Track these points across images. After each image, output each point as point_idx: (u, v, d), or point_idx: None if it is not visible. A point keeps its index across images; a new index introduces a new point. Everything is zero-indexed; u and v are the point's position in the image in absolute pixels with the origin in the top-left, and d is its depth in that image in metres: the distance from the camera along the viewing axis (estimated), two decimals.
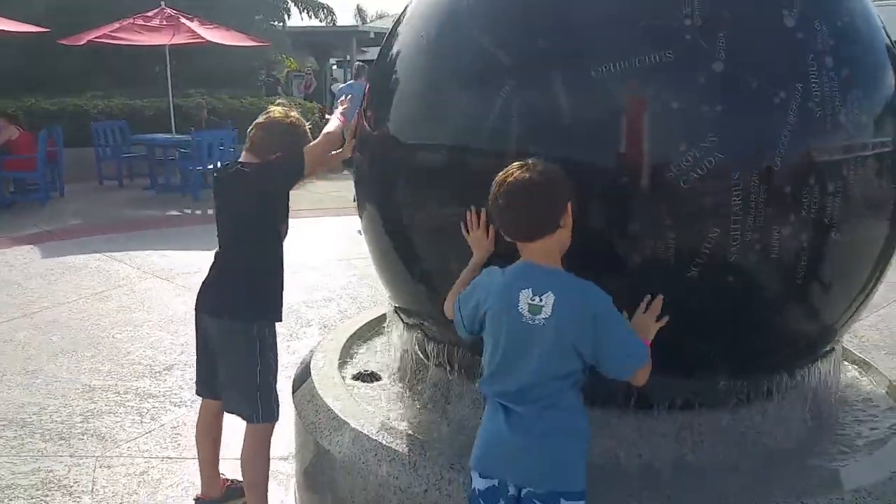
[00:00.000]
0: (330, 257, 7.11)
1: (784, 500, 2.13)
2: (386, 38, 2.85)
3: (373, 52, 31.33)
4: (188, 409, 3.85)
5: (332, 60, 30.46)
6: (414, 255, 2.61)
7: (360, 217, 2.93)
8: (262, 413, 2.68)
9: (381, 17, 42.98)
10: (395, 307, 2.99)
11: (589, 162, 2.11)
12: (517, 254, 1.93)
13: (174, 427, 3.68)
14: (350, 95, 3.50)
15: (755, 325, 2.27)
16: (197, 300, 2.78)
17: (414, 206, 2.52)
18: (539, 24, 2.25)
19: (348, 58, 27.42)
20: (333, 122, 2.78)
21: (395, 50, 2.71)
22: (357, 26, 26.89)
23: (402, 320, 2.97)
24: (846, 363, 3.19)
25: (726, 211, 2.04)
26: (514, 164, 1.86)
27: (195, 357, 2.87)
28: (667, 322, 2.01)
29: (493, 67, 2.27)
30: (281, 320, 2.76)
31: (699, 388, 2.39)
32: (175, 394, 4.06)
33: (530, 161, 1.85)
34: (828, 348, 2.62)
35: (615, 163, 2.09)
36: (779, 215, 2.08)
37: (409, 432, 2.53)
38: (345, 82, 25.38)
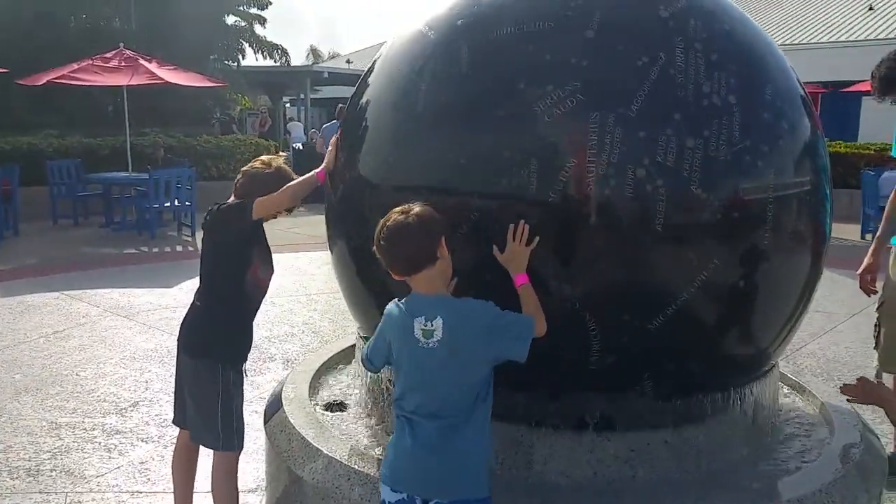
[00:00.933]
0: (290, 293, 7.23)
1: None
2: (359, 82, 3.06)
3: (326, 91, 31.78)
4: (155, 444, 3.92)
5: (286, 98, 30.73)
6: (381, 289, 2.80)
7: (331, 251, 3.11)
8: (222, 442, 2.79)
9: (332, 56, 43.62)
10: (363, 337, 3.15)
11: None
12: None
13: (142, 462, 3.74)
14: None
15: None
16: (178, 337, 2.91)
17: None
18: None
19: (302, 96, 27.69)
20: (308, 175, 2.87)
21: (366, 92, 2.93)
22: (311, 66, 27.19)
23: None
24: (783, 385, 3.46)
25: (583, 145, 2.31)
26: (395, 209, 2.12)
27: (174, 385, 2.98)
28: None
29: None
30: (245, 361, 2.89)
31: (641, 407, 2.60)
32: (141, 429, 4.12)
33: (408, 205, 2.12)
34: (763, 364, 2.86)
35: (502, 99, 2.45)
36: (633, 157, 2.32)
37: (379, 456, 2.68)
38: (298, 120, 25.63)
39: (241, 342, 2.85)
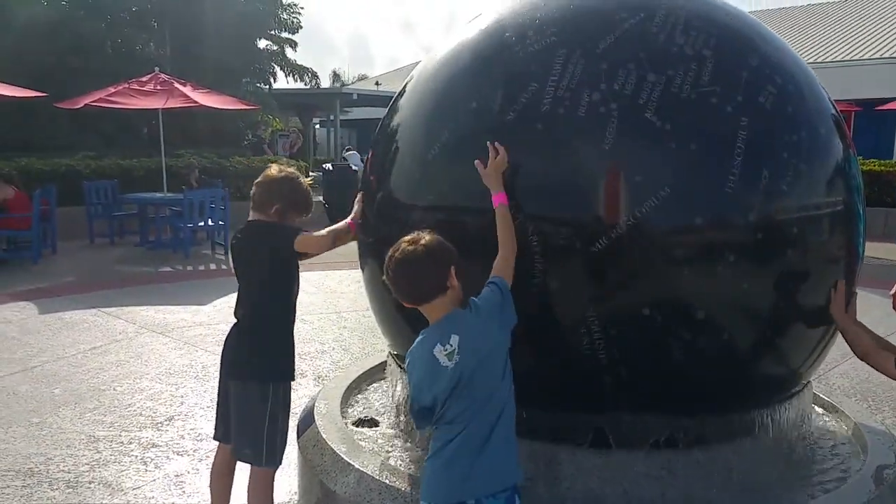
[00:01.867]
0: (321, 311, 7.32)
1: None
2: (389, 107, 3.15)
3: (356, 112, 32.26)
4: (190, 457, 4.00)
5: (315, 119, 31.20)
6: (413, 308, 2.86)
7: (362, 269, 3.18)
8: (265, 458, 2.85)
9: (361, 78, 44.20)
10: (394, 354, 3.20)
11: None
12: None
13: (177, 475, 3.82)
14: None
15: None
16: (221, 355, 2.98)
17: None
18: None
19: (332, 117, 28.09)
20: (342, 224, 2.94)
21: (394, 117, 3.02)
22: (340, 88, 27.64)
23: (400, 367, 3.19)
24: (815, 406, 3.43)
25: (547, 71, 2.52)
26: (404, 238, 2.14)
27: (217, 401, 3.05)
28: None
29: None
30: (294, 379, 2.95)
31: (674, 425, 2.61)
32: (177, 443, 4.20)
33: (417, 234, 2.14)
34: (795, 384, 2.85)
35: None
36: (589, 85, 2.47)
37: (409, 472, 2.73)
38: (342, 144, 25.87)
39: (290, 360, 2.92)
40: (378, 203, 2.94)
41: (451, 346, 2.05)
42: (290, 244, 2.75)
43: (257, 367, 2.84)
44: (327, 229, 2.85)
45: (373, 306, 3.19)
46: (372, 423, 3.33)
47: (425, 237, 2.12)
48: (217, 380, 3.01)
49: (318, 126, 33.70)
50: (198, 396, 4.87)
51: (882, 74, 21.89)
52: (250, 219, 2.91)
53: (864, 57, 23.97)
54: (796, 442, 2.98)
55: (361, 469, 2.70)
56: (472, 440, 2.08)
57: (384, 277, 2.14)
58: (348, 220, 2.95)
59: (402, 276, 2.09)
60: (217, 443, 3.06)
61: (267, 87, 21.87)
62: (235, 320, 2.94)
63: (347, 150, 18.48)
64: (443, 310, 2.11)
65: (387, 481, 2.62)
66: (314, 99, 26.08)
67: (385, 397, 3.66)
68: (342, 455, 2.82)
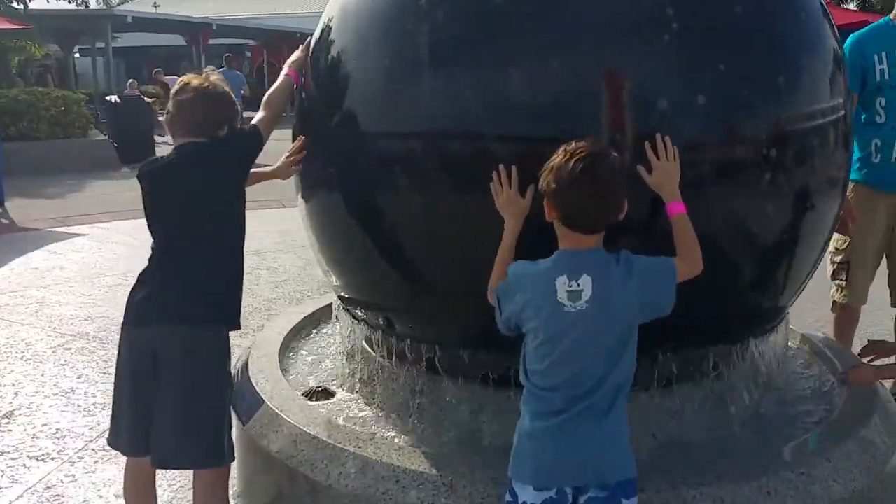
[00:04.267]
0: None
1: None
2: (324, 19, 2.52)
3: (128, 38, 28.61)
4: (56, 462, 3.12)
5: (77, 48, 27.25)
6: (394, 244, 2.32)
7: (307, 201, 2.58)
8: (226, 452, 2.19)
9: None
10: (348, 300, 2.64)
11: None
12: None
13: (48, 488, 2.95)
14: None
15: None
16: (132, 313, 2.19)
17: (409, 192, 2.23)
18: None
19: (101, 45, 24.67)
20: (282, 79, 2.48)
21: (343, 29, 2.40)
22: (112, 9, 24.21)
23: (355, 317, 2.63)
24: None
25: None
26: (576, 147, 1.69)
27: (114, 399, 2.28)
28: None
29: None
30: (240, 327, 2.28)
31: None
32: (30, 446, 3.27)
33: (584, 142, 1.72)
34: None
35: None
36: None
37: (422, 449, 2.21)
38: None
39: (240, 300, 2.29)
40: (336, 133, 2.33)
41: (579, 286, 1.65)
42: (261, 139, 2.27)
43: (211, 308, 2.17)
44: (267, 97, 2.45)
45: (325, 243, 2.59)
46: (326, 393, 2.74)
47: (604, 147, 1.74)
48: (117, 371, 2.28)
49: (77, 55, 29.50)
50: (35, 383, 3.86)
51: None
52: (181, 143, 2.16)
53: None
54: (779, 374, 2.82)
55: (360, 453, 2.14)
56: (572, 414, 1.66)
57: (553, 195, 1.69)
58: (286, 70, 2.52)
59: (605, 194, 1.69)
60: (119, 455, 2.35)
61: (22, 6, 18.49)
62: (150, 266, 2.23)
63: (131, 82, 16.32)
64: (589, 242, 1.71)
65: (400, 464, 2.09)
66: (79, 22, 22.60)
67: (319, 355, 3.06)
68: (325, 439, 2.22)
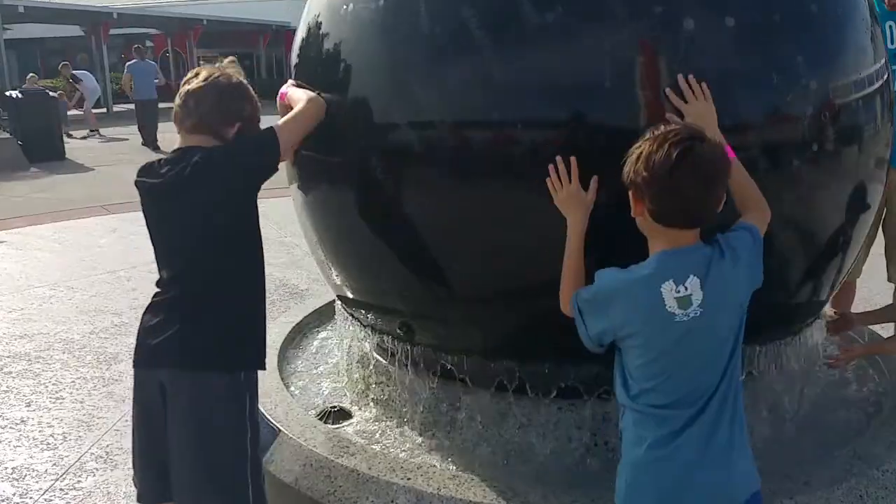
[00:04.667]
0: (85, 273, 5.77)
1: None
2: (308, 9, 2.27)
3: (19, 30, 26.57)
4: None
5: None
6: (403, 240, 2.13)
7: (306, 193, 2.36)
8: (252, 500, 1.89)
9: None
10: (359, 305, 2.39)
11: None
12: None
13: None
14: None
15: None
16: (141, 354, 1.87)
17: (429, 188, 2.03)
18: None
19: None
20: (301, 93, 2.08)
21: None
22: None
23: (364, 323, 2.41)
24: None
25: None
26: (669, 131, 1.48)
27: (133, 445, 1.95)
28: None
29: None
30: (265, 368, 1.97)
31: None
32: None
33: (676, 127, 1.53)
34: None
35: None
36: None
37: (479, 475, 1.98)
38: None
39: (264, 335, 1.96)
40: (341, 124, 2.08)
41: (687, 290, 1.45)
42: (277, 152, 1.87)
43: (223, 351, 1.84)
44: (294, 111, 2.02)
45: (330, 241, 2.35)
46: (343, 413, 2.47)
47: (699, 129, 1.52)
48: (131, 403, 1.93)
49: None
50: None
51: None
52: (187, 146, 1.84)
53: None
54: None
55: (414, 486, 1.90)
56: (692, 433, 1.47)
57: (648, 183, 1.46)
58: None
59: (709, 185, 1.47)
60: None
61: None
62: (158, 298, 1.88)
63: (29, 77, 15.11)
64: (687, 239, 1.50)
65: (463, 495, 1.86)
66: None
67: (320, 366, 2.80)
68: (367, 472, 1.97)
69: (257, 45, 29.73)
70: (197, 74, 1.85)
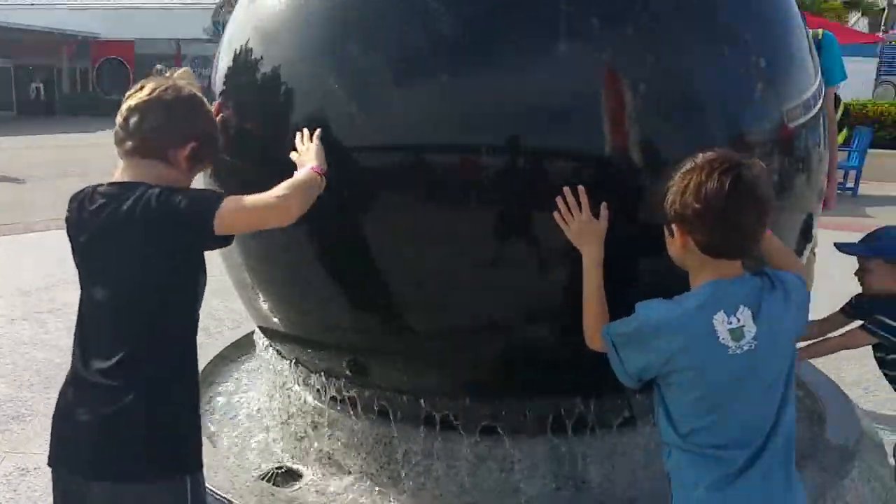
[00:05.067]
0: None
1: None
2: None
3: None
4: None
5: None
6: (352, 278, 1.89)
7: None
8: None
9: None
10: (292, 342, 2.13)
11: None
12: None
13: None
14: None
15: None
16: (57, 453, 1.47)
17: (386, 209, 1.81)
18: None
19: None
20: (307, 175, 1.61)
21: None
22: None
23: (290, 362, 2.17)
24: None
25: None
26: (714, 158, 1.40)
27: None
28: None
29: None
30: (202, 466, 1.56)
31: None
32: None
33: (711, 154, 1.42)
34: None
35: None
36: None
37: None
38: None
39: (200, 426, 1.57)
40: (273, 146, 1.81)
41: (740, 321, 1.38)
42: (207, 227, 1.42)
43: (161, 454, 1.45)
44: (287, 184, 1.53)
45: (261, 272, 2.06)
46: (292, 475, 2.15)
47: (742, 155, 1.43)
48: None
49: None
50: None
51: None
52: (118, 179, 1.47)
53: None
54: None
55: None
56: (752, 475, 1.39)
57: (688, 213, 1.38)
58: (310, 166, 1.63)
59: (747, 210, 1.38)
60: None
61: None
62: (78, 375, 1.47)
63: None
64: (735, 270, 1.42)
65: None
66: None
67: (241, 414, 2.46)
68: None
69: (60, 56, 26.98)
70: (141, 88, 1.50)
